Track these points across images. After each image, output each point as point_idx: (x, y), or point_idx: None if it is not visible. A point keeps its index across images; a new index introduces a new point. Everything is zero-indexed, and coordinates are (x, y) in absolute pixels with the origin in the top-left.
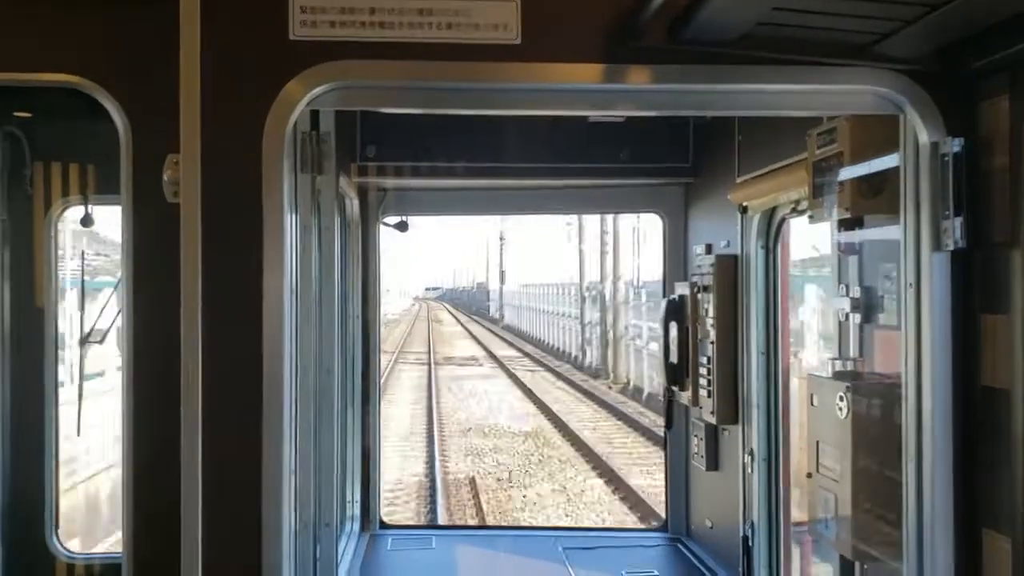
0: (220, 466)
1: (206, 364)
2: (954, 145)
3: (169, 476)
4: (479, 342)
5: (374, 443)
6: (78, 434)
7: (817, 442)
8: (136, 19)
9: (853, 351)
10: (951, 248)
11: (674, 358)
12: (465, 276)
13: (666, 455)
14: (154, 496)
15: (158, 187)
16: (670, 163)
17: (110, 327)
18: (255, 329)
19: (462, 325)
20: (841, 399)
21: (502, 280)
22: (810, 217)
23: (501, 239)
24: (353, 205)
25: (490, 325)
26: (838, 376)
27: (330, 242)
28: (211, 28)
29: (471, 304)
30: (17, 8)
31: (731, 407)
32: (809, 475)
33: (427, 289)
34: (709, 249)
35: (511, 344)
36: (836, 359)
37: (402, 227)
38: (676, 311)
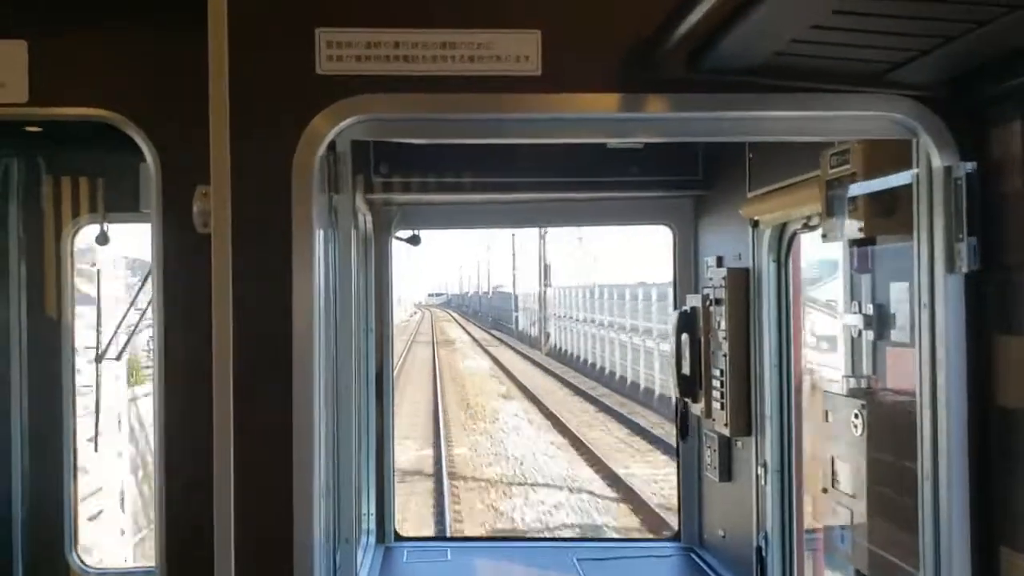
0: (252, 486)
1: (237, 388)
2: (967, 169)
3: (201, 495)
4: (542, 407)
5: (387, 456)
6: (95, 449)
7: (832, 458)
8: (164, 53)
9: (866, 368)
10: (964, 270)
11: (687, 370)
12: (474, 279)
13: (678, 466)
14: (186, 515)
15: (187, 216)
16: (681, 176)
17: (126, 344)
18: (285, 356)
19: (484, 350)
20: (856, 416)
21: (545, 280)
22: (823, 236)
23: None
24: (366, 220)
25: (527, 350)
26: (853, 394)
27: (347, 261)
28: (239, 62)
29: (486, 314)
30: (46, 42)
31: (744, 419)
32: (825, 490)
33: (431, 295)
34: (720, 262)
35: (626, 424)
36: (850, 376)
37: (414, 241)
38: (688, 323)
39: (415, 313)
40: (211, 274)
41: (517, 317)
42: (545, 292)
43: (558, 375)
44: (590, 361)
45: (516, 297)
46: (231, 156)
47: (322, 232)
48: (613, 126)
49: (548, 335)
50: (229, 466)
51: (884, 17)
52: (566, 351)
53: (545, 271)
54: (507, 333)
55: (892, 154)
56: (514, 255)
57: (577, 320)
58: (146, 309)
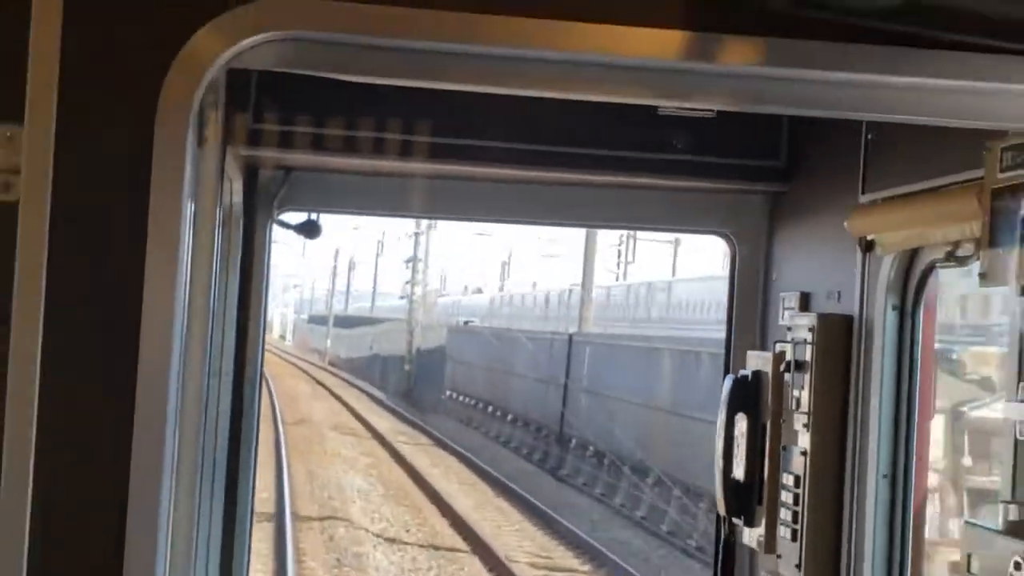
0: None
1: (44, 427)
2: None
3: None
4: None
5: (240, 541)
6: None
7: None
8: None
9: None
10: None
11: (739, 472)
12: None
13: None
14: None
15: None
16: (751, 160)
17: None
18: (124, 388)
19: None
20: (1019, 567)
21: None
22: (981, 277)
23: None
24: (234, 191)
25: None
26: (1014, 530)
27: (207, 251)
28: None
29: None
30: None
31: (828, 558)
32: None
33: (307, 319)
34: (806, 303)
35: None
36: (1010, 503)
37: (310, 231)
38: (747, 397)
39: None
40: (14, 264)
41: None
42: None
43: None
44: None
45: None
46: (60, 79)
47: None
48: (673, 81)
49: None
50: (23, 532)
51: None
52: None
53: None
54: None
55: None
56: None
57: None
58: None
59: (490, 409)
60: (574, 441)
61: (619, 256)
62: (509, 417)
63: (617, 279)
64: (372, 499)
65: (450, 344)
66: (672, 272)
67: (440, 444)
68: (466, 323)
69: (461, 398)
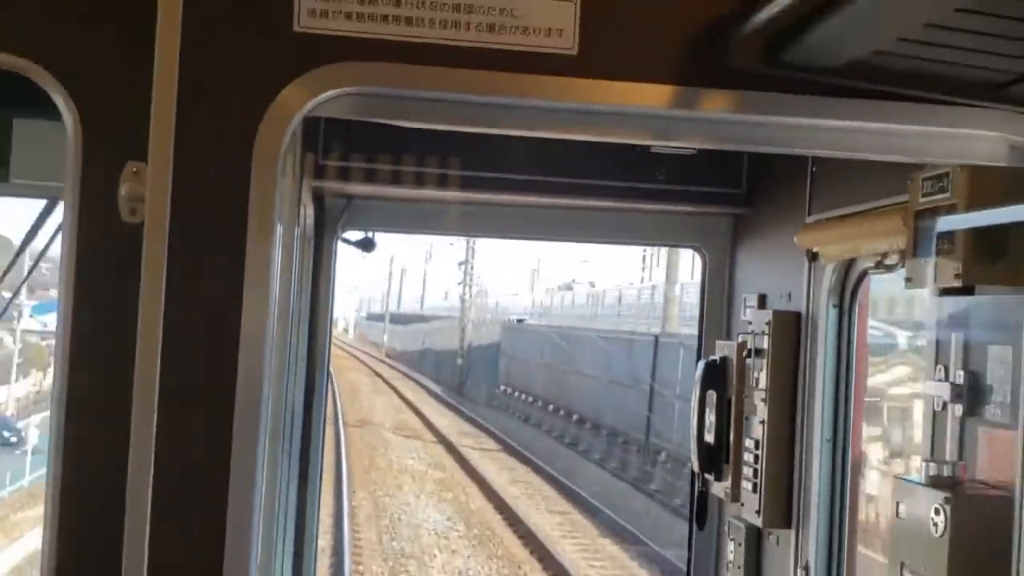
0: (172, 535)
1: (163, 417)
2: None
3: (106, 546)
4: None
5: (309, 534)
6: None
7: (902, 564)
8: None
9: (950, 451)
10: None
11: (710, 437)
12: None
13: (690, 564)
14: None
15: (110, 199)
16: (718, 188)
17: None
18: (225, 381)
19: None
20: (937, 512)
21: None
22: (907, 281)
23: None
24: (307, 215)
25: None
26: (934, 483)
27: (288, 263)
28: (196, 12)
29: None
30: None
31: (782, 506)
32: None
33: (367, 316)
34: (763, 302)
35: None
36: (931, 461)
37: (367, 246)
38: (715, 377)
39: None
40: (139, 274)
41: None
42: None
43: None
44: None
45: None
46: (176, 126)
47: (280, 227)
48: (664, 125)
49: None
50: (146, 508)
51: (1018, 21)
52: None
53: None
54: None
55: (1005, 183)
56: None
57: None
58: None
59: (551, 408)
60: (664, 453)
61: (643, 261)
62: (574, 417)
63: (642, 280)
64: (454, 544)
65: (504, 341)
66: (691, 275)
67: (509, 449)
68: (519, 321)
69: (517, 394)
